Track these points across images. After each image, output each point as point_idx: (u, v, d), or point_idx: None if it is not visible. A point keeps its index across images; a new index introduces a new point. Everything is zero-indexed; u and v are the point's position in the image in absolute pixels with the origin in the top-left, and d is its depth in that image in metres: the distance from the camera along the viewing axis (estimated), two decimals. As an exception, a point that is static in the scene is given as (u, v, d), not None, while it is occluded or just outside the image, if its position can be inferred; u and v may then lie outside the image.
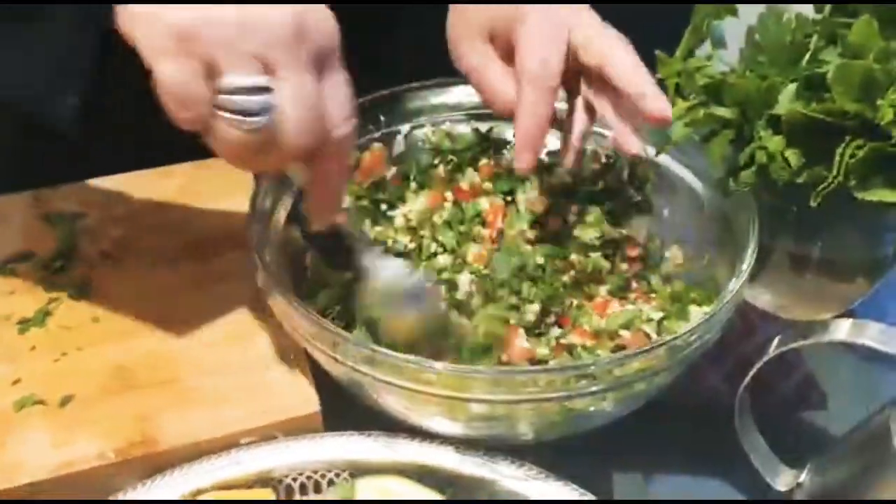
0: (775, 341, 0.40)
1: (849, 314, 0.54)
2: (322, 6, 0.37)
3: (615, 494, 0.48)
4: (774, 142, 0.43)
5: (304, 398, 0.46)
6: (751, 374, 0.41)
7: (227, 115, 0.35)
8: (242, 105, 0.35)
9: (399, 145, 0.55)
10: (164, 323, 0.50)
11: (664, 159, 0.52)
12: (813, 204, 0.41)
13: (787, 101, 0.43)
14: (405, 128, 0.55)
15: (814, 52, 0.45)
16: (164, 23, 0.34)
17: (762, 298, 0.54)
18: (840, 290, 0.52)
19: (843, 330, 0.37)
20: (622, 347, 0.46)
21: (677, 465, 0.49)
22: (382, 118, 0.55)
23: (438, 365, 0.39)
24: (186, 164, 0.60)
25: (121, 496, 0.42)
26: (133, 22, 0.35)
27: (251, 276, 0.46)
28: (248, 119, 0.35)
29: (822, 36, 0.46)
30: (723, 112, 0.45)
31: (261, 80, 0.35)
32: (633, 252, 0.51)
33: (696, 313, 0.47)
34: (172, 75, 0.34)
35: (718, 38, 0.49)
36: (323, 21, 0.36)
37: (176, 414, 0.46)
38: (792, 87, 0.44)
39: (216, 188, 0.58)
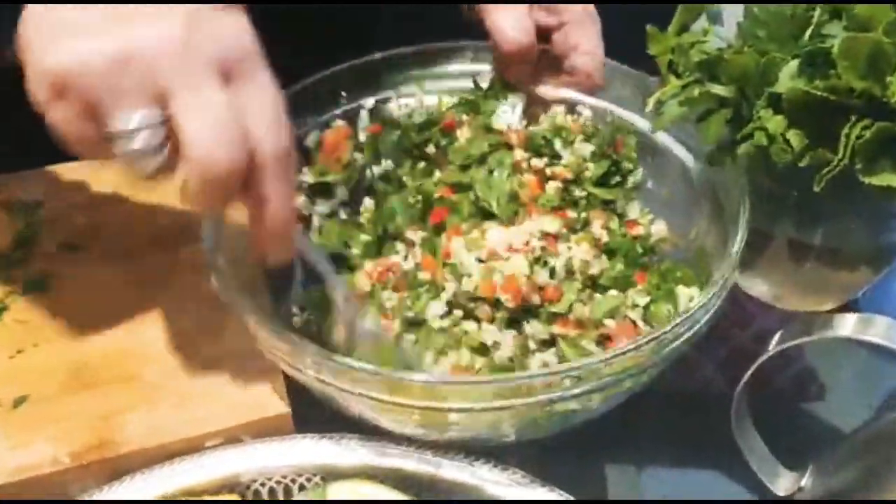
0: (776, 337, 0.38)
1: (850, 305, 0.52)
2: (224, 5, 0.32)
3: (608, 489, 0.46)
4: (775, 122, 0.40)
5: (274, 398, 0.44)
6: (749, 372, 0.39)
7: (125, 156, 0.32)
8: (140, 144, 0.31)
9: (363, 121, 0.52)
10: (127, 318, 0.48)
11: (649, 128, 0.50)
12: (816, 189, 0.39)
13: (787, 78, 0.41)
14: (369, 102, 0.52)
15: (816, 26, 0.43)
16: (42, 69, 0.32)
17: (758, 288, 0.51)
18: (842, 280, 0.50)
19: (848, 325, 0.35)
20: (607, 337, 0.43)
21: (671, 457, 0.48)
22: (343, 93, 0.52)
23: (414, 376, 0.37)
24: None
25: (82, 497, 0.40)
26: (23, 60, 0.33)
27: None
28: (147, 159, 0.32)
29: (825, 9, 0.43)
30: (719, 90, 0.42)
31: (152, 116, 0.31)
32: (634, 230, 0.49)
33: (684, 295, 0.45)
34: (57, 120, 0.32)
35: (714, 13, 0.47)
36: (223, 24, 0.32)
37: (137, 415, 0.43)
38: (793, 63, 0.41)
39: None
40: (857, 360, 0.50)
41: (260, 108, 0.32)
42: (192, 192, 0.32)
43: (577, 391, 0.36)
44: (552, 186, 0.50)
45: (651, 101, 0.46)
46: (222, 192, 0.33)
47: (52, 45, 0.32)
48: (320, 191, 0.50)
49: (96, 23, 0.32)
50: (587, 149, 0.51)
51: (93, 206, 0.54)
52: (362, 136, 0.52)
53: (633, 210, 0.51)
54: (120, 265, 0.51)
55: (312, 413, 0.43)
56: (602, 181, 0.50)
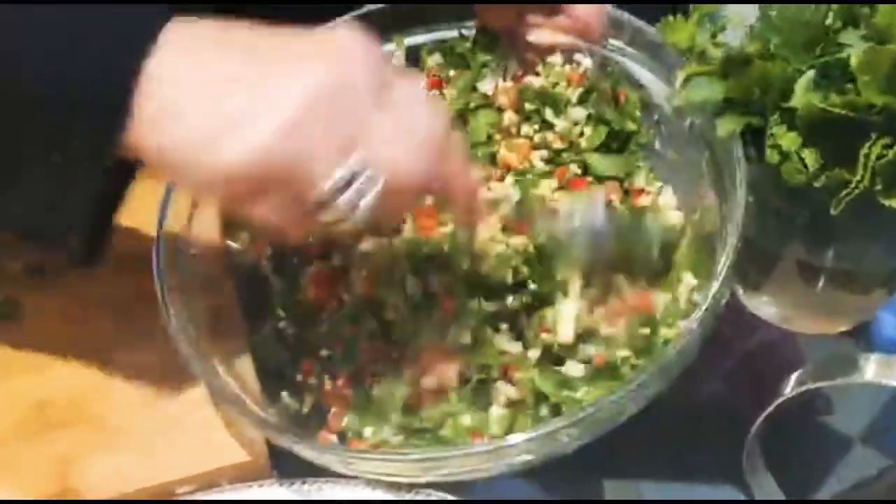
0: (792, 379, 0.35)
1: (863, 327, 0.50)
2: (337, 35, 0.32)
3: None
4: (789, 139, 0.38)
5: (251, 440, 0.41)
6: (762, 417, 0.36)
7: (337, 215, 0.31)
8: (350, 196, 0.31)
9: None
10: (94, 350, 0.45)
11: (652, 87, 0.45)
12: (834, 212, 0.36)
13: (802, 91, 0.38)
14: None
15: (832, 34, 0.40)
16: (225, 173, 0.30)
17: (766, 310, 0.49)
18: (854, 303, 0.47)
19: (871, 369, 0.32)
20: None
21: (673, 471, 0.45)
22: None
23: (408, 455, 0.35)
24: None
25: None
26: (173, 163, 0.30)
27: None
28: (357, 208, 0.31)
29: (838, 15, 0.40)
30: (741, 91, 0.39)
31: (348, 165, 0.30)
32: (639, 199, 0.45)
33: (686, 285, 0.42)
34: (266, 216, 0.31)
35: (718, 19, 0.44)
36: (349, 48, 0.31)
37: (102, 458, 0.41)
38: (809, 74, 0.38)
39: (158, 189, 0.51)
40: (880, 399, 0.47)
41: (413, 104, 0.33)
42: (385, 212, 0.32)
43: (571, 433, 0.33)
44: (538, 156, 0.46)
45: (681, 75, 0.42)
46: (417, 197, 0.36)
47: (217, 142, 0.29)
48: None
49: (244, 89, 0.30)
50: (581, 113, 0.46)
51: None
52: None
53: (640, 178, 0.46)
54: (88, 291, 0.47)
55: (292, 455, 0.40)
56: (602, 148, 0.46)
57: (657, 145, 0.47)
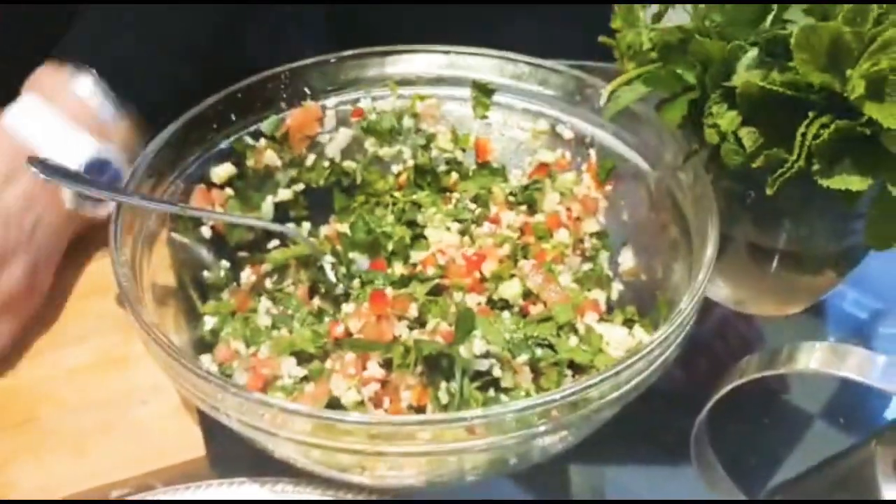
0: (738, 367, 0.36)
1: (818, 307, 0.51)
2: None
3: (571, 490, 0.45)
4: (728, 118, 0.38)
5: (188, 439, 0.41)
6: (707, 406, 0.37)
7: None
8: None
9: (330, 119, 0.50)
10: (22, 349, 0.45)
11: (609, 141, 0.48)
12: (770, 192, 0.37)
13: (744, 70, 0.38)
14: (332, 101, 0.50)
15: (778, 11, 0.40)
16: None
17: (720, 293, 0.50)
18: (806, 284, 0.48)
19: (818, 358, 0.33)
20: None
21: (640, 458, 0.46)
22: (307, 90, 0.49)
23: (349, 416, 0.34)
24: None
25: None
26: None
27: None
28: None
29: (786, -10, 0.41)
30: (687, 75, 0.39)
31: None
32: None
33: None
34: None
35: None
36: None
37: (34, 462, 0.40)
38: (752, 52, 0.39)
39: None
40: (832, 385, 0.48)
41: None
42: None
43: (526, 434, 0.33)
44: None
45: (605, 91, 0.44)
46: None
47: None
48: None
49: None
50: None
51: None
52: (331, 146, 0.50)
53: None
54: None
55: (232, 452, 0.40)
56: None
57: (624, 216, 0.49)
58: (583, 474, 0.46)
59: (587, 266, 0.47)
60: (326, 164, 0.50)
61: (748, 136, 0.38)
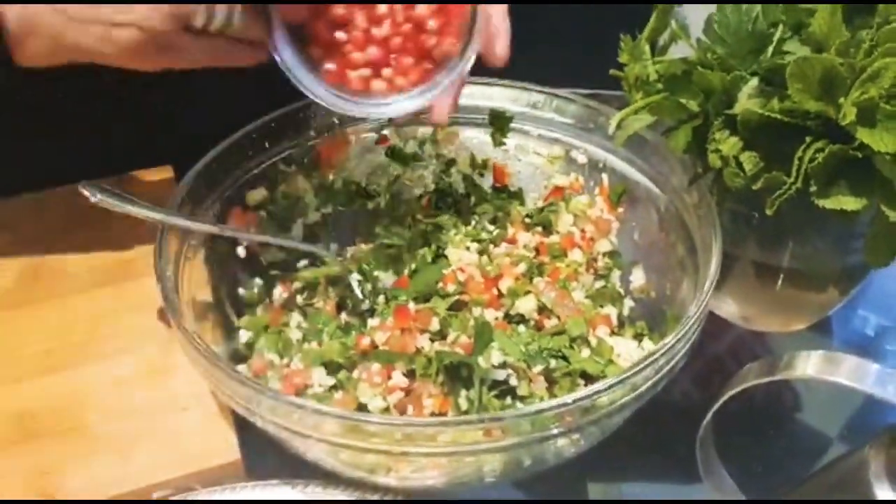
0: (740, 375, 0.39)
1: (824, 324, 0.53)
2: None
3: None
4: (729, 144, 0.41)
5: (224, 444, 0.44)
6: (711, 411, 0.40)
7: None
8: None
9: (356, 146, 0.54)
10: (72, 360, 0.48)
11: (620, 166, 0.51)
12: (769, 212, 0.40)
13: (744, 99, 0.42)
14: (358, 129, 0.54)
15: (778, 43, 0.43)
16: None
17: (726, 309, 0.52)
18: (810, 301, 0.51)
19: (813, 364, 0.35)
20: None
21: (652, 468, 0.48)
22: (336, 120, 0.53)
23: (376, 417, 0.37)
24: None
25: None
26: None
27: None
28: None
29: (788, 24, 0.44)
30: (690, 104, 0.43)
31: None
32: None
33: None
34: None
35: (682, 19, 0.48)
36: None
37: (80, 466, 0.43)
38: (752, 82, 0.42)
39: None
40: (829, 391, 0.50)
41: None
42: None
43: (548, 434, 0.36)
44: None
45: (614, 120, 0.47)
46: None
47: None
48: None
49: None
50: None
51: (36, 241, 0.54)
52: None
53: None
54: (65, 303, 0.51)
55: (267, 456, 0.43)
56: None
57: (635, 236, 0.52)
58: (602, 492, 0.47)
59: (600, 283, 0.50)
60: (353, 188, 0.54)
61: (749, 159, 0.41)
